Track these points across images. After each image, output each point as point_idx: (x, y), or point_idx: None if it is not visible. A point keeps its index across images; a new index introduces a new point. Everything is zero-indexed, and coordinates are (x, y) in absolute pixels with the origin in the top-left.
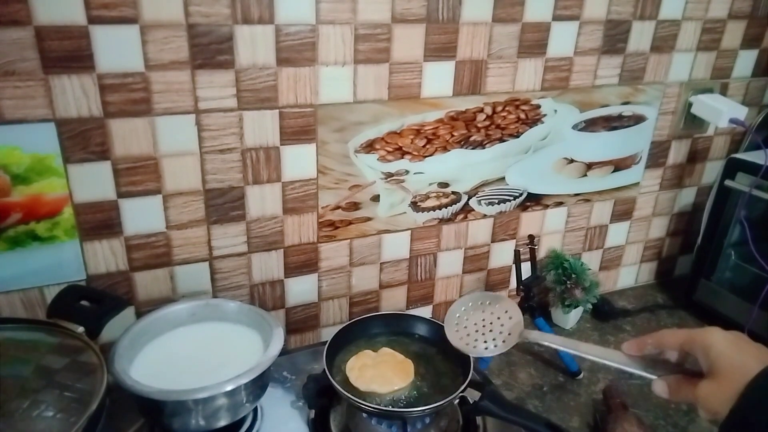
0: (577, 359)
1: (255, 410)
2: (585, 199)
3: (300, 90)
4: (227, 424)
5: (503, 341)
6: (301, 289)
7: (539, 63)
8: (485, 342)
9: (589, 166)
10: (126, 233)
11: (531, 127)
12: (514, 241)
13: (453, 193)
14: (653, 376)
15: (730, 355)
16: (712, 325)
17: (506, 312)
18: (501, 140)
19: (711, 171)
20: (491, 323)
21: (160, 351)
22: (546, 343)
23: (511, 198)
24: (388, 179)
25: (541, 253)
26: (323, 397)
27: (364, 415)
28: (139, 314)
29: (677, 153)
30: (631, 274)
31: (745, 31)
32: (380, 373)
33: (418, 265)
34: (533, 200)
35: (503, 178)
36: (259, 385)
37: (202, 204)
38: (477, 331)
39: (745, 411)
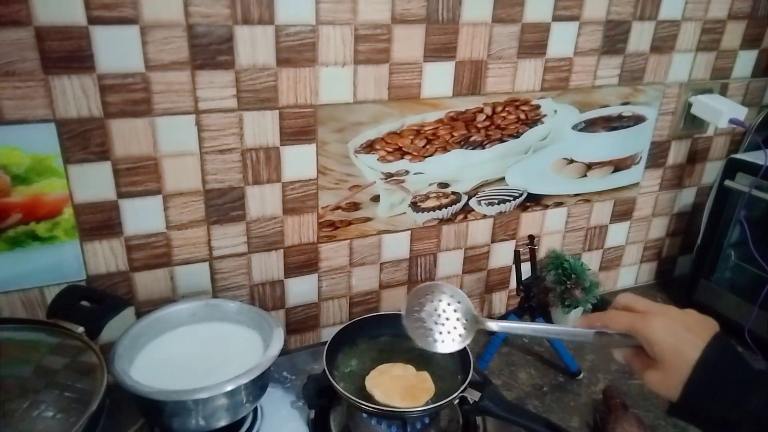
0: (578, 359)
1: (255, 410)
2: (585, 200)
3: (300, 90)
4: (227, 424)
5: (463, 331)
6: (301, 290)
7: (539, 63)
8: (444, 333)
9: (589, 166)
10: (126, 233)
11: (531, 128)
12: (514, 241)
13: (453, 193)
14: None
15: (669, 345)
16: None
17: (455, 299)
18: (501, 140)
19: (711, 171)
20: (444, 311)
21: (160, 351)
22: (504, 330)
23: (511, 198)
24: (388, 179)
25: (541, 253)
26: (323, 397)
27: (364, 415)
28: (139, 314)
29: (677, 153)
30: (631, 275)
31: (745, 32)
32: (408, 391)
33: (418, 265)
34: (533, 200)
35: (503, 179)
36: (259, 385)
37: (202, 204)
38: (436, 323)
39: (688, 403)
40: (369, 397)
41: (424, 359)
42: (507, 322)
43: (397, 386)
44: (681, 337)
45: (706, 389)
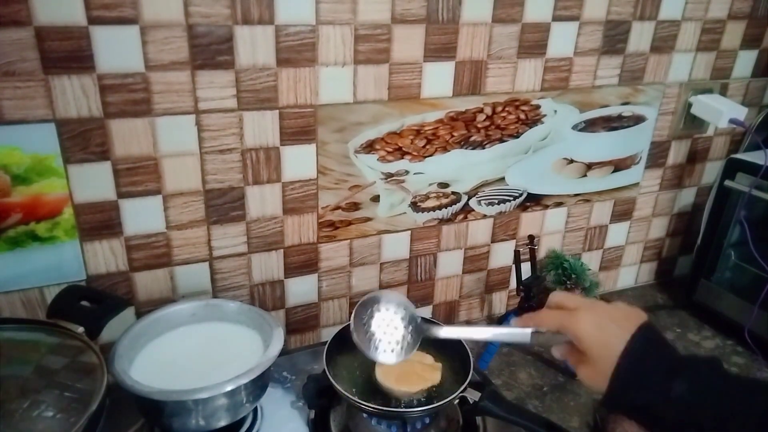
0: None
1: (255, 410)
2: (585, 200)
3: (300, 90)
4: (227, 424)
5: (410, 338)
6: (301, 290)
7: (539, 63)
8: (393, 343)
9: (589, 166)
10: (126, 233)
11: (531, 128)
12: (514, 241)
13: (453, 193)
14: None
15: (597, 340)
16: (712, 324)
17: (401, 307)
18: (501, 140)
19: (711, 171)
20: (392, 320)
21: (160, 351)
22: (447, 336)
23: (511, 198)
24: (388, 179)
25: (541, 253)
26: (323, 397)
27: (364, 415)
28: (139, 314)
29: (677, 153)
30: (631, 275)
31: (745, 32)
32: (406, 376)
33: (418, 265)
34: (533, 200)
35: (503, 179)
36: (259, 385)
37: (202, 204)
38: (385, 333)
39: (615, 393)
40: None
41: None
42: (451, 328)
43: (399, 369)
44: (608, 330)
45: (631, 379)
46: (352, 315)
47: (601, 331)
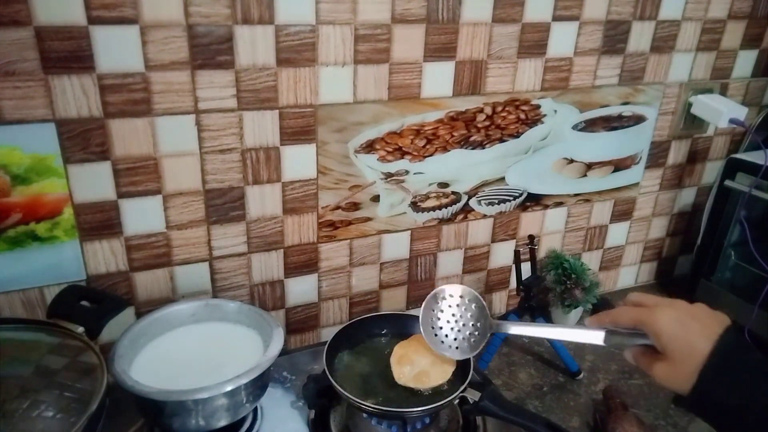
0: (578, 359)
1: (255, 410)
2: (585, 200)
3: (300, 90)
4: (227, 424)
5: (477, 334)
6: (301, 289)
7: (539, 63)
8: (459, 340)
9: (589, 166)
10: (126, 233)
11: (531, 128)
12: (514, 241)
13: (453, 193)
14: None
15: (678, 337)
16: None
17: (469, 301)
18: (501, 140)
19: (711, 171)
20: (461, 316)
21: (160, 351)
22: (518, 332)
23: (511, 198)
24: (388, 179)
25: (541, 253)
26: (323, 397)
27: (364, 415)
28: (139, 314)
29: (677, 153)
30: (631, 274)
31: (745, 32)
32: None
33: (418, 265)
34: (533, 200)
35: (503, 179)
36: (259, 386)
37: (202, 204)
38: (452, 329)
39: (702, 392)
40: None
41: None
42: (521, 325)
43: (416, 366)
44: (691, 328)
45: (720, 378)
46: (423, 306)
47: (684, 329)
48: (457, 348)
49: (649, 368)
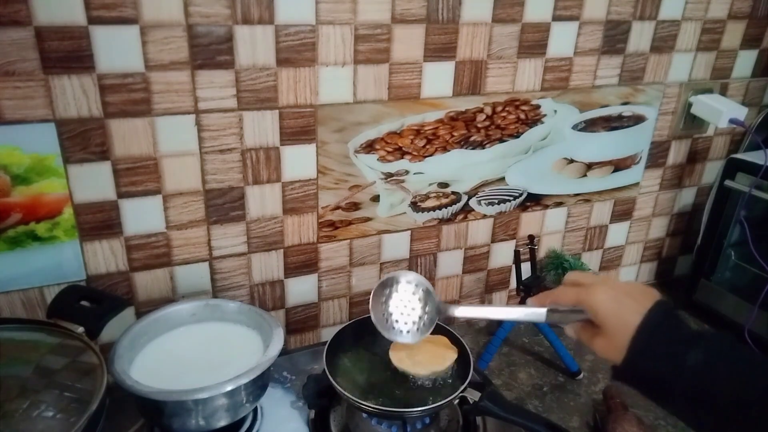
0: (578, 359)
1: (255, 410)
2: (585, 199)
3: (300, 90)
4: (227, 424)
5: (426, 319)
6: (301, 289)
7: (539, 63)
8: (410, 324)
9: (589, 166)
10: (126, 233)
11: (531, 127)
12: (514, 241)
13: (453, 193)
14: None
15: (613, 313)
16: (712, 324)
17: (416, 286)
18: (501, 140)
19: (711, 171)
20: (409, 301)
21: (160, 351)
22: (464, 315)
23: (511, 198)
24: (388, 179)
25: (541, 253)
26: (323, 397)
27: (364, 415)
28: (139, 314)
29: (677, 153)
30: (631, 274)
31: (745, 32)
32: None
33: (418, 265)
34: (533, 200)
35: (503, 178)
36: (259, 385)
37: (202, 204)
38: (402, 314)
39: (630, 363)
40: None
41: None
42: (466, 307)
43: (415, 351)
44: (624, 304)
45: (647, 349)
46: (371, 295)
47: (618, 304)
48: (408, 332)
49: (589, 342)
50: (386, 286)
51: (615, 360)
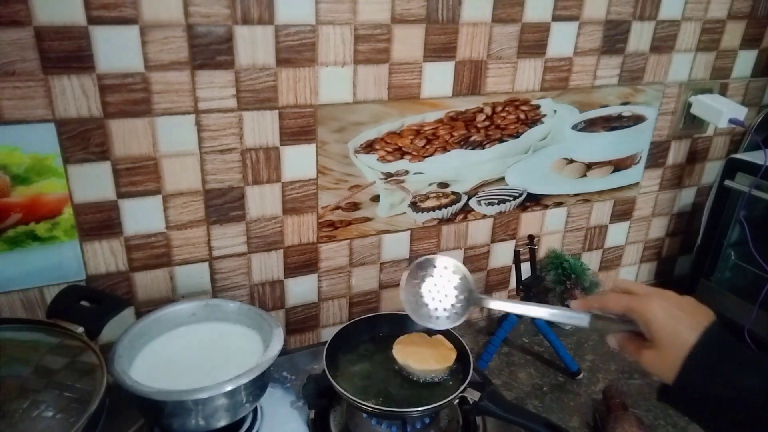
0: (578, 359)
1: (255, 410)
2: (585, 200)
3: (300, 90)
4: (227, 424)
5: (459, 306)
6: (301, 290)
7: (539, 63)
8: (440, 310)
9: (589, 166)
10: (126, 233)
11: (531, 128)
12: (514, 241)
13: (453, 193)
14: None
15: (667, 327)
16: None
17: (453, 273)
18: (501, 140)
19: (711, 171)
20: (444, 287)
21: (160, 351)
22: (499, 308)
23: (511, 198)
24: (388, 179)
25: (541, 253)
26: (323, 397)
27: (364, 415)
28: (139, 314)
29: (677, 153)
30: (630, 274)
31: (745, 32)
32: (429, 353)
33: None
34: (533, 200)
35: (503, 179)
36: (258, 386)
37: (202, 204)
38: (434, 299)
39: (684, 381)
40: (370, 391)
41: None
42: (503, 302)
43: (418, 349)
44: (679, 318)
45: (703, 368)
46: (406, 273)
47: (674, 319)
48: (437, 318)
49: (636, 354)
50: (422, 268)
51: (664, 376)
